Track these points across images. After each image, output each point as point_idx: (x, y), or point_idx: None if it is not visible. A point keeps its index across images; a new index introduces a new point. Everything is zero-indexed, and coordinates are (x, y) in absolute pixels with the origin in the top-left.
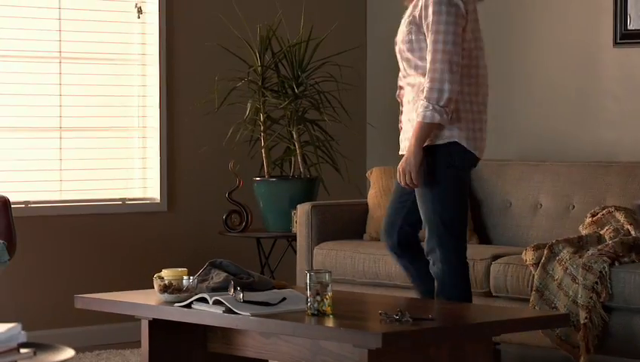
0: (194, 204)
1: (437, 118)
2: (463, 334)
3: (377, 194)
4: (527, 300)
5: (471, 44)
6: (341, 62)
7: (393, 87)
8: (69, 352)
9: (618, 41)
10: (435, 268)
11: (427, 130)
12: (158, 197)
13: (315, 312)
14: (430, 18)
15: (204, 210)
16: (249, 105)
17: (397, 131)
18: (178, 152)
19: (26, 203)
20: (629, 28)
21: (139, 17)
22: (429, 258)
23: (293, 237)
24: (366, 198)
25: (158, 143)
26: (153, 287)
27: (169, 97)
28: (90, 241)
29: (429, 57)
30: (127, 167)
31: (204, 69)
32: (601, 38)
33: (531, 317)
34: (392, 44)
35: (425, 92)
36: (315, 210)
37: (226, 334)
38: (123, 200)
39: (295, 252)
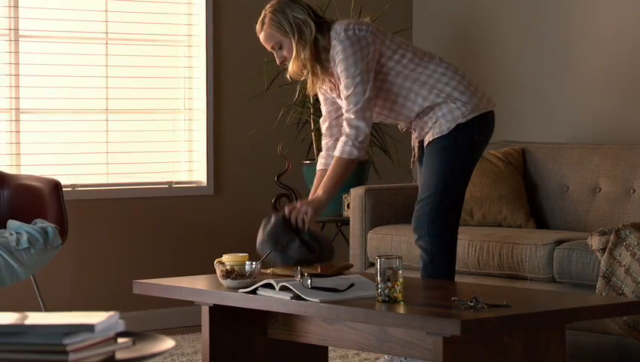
0: (241, 188)
1: (355, 153)
2: (540, 321)
3: None
4: (593, 286)
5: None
6: None
7: None
8: (170, 342)
9: None
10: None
11: (347, 165)
12: (205, 181)
13: (386, 299)
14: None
15: (251, 194)
16: (298, 87)
17: None
18: (225, 135)
19: (73, 186)
20: None
21: None
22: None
23: (343, 221)
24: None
25: (205, 126)
26: (205, 272)
27: (215, 79)
28: (137, 225)
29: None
30: (174, 150)
31: (251, 50)
32: None
33: (608, 304)
34: (439, 25)
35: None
36: (369, 193)
37: (287, 320)
38: (169, 183)
39: (344, 236)
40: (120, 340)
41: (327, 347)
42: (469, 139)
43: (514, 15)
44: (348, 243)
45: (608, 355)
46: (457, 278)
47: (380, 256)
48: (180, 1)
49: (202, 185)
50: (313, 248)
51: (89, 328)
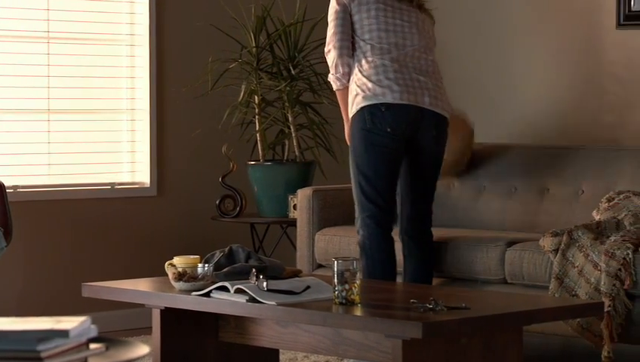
0: (185, 189)
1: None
2: (499, 323)
3: None
4: (544, 287)
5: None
6: None
7: None
8: (143, 348)
9: (621, 22)
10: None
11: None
12: (148, 182)
13: (343, 301)
14: None
15: (196, 195)
16: (243, 87)
17: None
18: (168, 136)
19: (15, 187)
20: (632, 9)
21: None
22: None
23: (289, 223)
24: None
25: (148, 126)
26: (151, 274)
27: (159, 79)
28: (81, 227)
29: None
30: (116, 150)
31: (195, 50)
32: (603, 19)
33: (566, 306)
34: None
35: None
36: (317, 194)
37: (239, 323)
38: (112, 184)
39: (289, 238)
40: (92, 346)
41: (278, 349)
42: (359, 129)
43: (456, 16)
44: (293, 245)
45: (560, 356)
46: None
47: (337, 258)
48: (123, 0)
49: (145, 186)
50: (264, 262)
51: (63, 334)
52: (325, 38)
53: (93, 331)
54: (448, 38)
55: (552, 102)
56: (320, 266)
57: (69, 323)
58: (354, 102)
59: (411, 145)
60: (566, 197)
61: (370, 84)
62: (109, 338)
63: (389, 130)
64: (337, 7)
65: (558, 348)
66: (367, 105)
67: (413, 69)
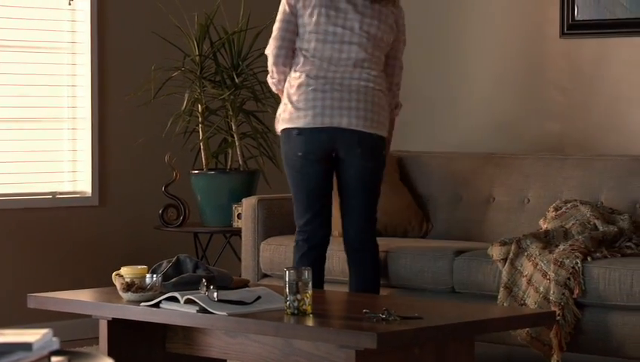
0: (128, 199)
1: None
2: (452, 333)
3: None
4: (493, 296)
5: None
6: None
7: None
8: (106, 360)
9: (565, 31)
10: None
11: None
12: (89, 191)
13: (295, 311)
14: None
15: (138, 205)
16: (186, 95)
17: None
18: (110, 144)
19: None
20: (576, 18)
21: (70, 4)
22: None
23: (233, 232)
24: None
25: (90, 135)
26: (95, 284)
27: (101, 87)
28: (23, 237)
29: None
30: (57, 159)
31: (138, 58)
32: (547, 28)
33: (518, 316)
34: None
35: None
36: (262, 203)
37: (187, 334)
38: (53, 194)
39: (233, 248)
40: (54, 359)
41: (226, 360)
42: (284, 151)
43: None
44: (237, 255)
45: None
46: (344, 288)
47: (288, 268)
48: (64, 7)
49: (87, 195)
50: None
51: (26, 347)
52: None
53: (56, 344)
54: None
55: (497, 111)
56: (265, 276)
57: (31, 336)
58: (280, 118)
59: (337, 162)
60: (512, 206)
61: (289, 105)
62: (71, 351)
63: (300, 153)
64: (285, 7)
65: (505, 357)
66: (284, 129)
67: (339, 86)
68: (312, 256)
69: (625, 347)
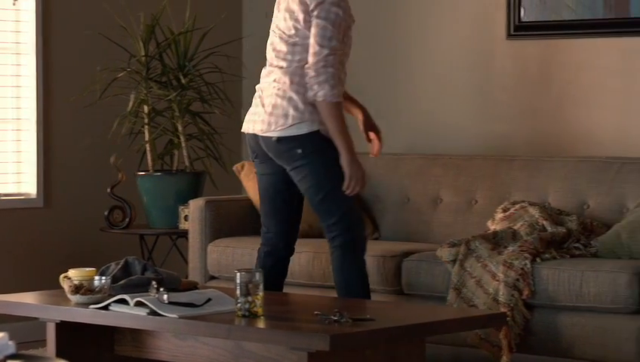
0: (73, 200)
1: None
2: (405, 334)
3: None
4: (442, 298)
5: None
6: (230, 53)
7: None
8: None
9: (511, 33)
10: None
11: None
12: (34, 193)
13: (246, 313)
14: None
15: (84, 206)
16: (132, 96)
17: None
18: (56, 146)
19: None
20: (522, 20)
21: (14, 4)
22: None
23: (179, 234)
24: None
25: (35, 136)
26: (39, 286)
27: (46, 88)
28: None
29: None
30: (1, 160)
31: (84, 58)
32: (494, 30)
33: (470, 317)
34: (267, 36)
35: None
36: (209, 205)
37: (136, 336)
38: None
39: (179, 250)
40: None
41: None
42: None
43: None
44: (183, 257)
45: None
46: (304, 291)
47: (239, 270)
48: (8, 7)
49: (31, 196)
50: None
51: None
52: (215, 47)
53: (12, 348)
54: None
55: (445, 113)
56: (213, 278)
57: None
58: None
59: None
60: (460, 208)
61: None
62: (27, 355)
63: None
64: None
65: (452, 358)
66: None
67: (260, 91)
68: (272, 263)
69: (574, 347)
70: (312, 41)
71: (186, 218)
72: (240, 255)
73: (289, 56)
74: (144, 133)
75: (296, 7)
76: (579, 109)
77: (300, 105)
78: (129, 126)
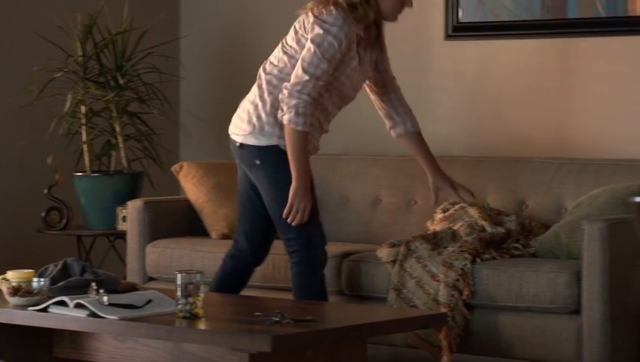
0: (10, 201)
1: None
2: (347, 335)
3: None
4: (381, 299)
5: None
6: (168, 53)
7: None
8: None
9: (449, 34)
10: None
11: None
12: None
13: (187, 315)
14: None
15: (21, 207)
16: (69, 97)
17: (216, 128)
18: None
19: None
20: (460, 21)
21: None
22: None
23: (117, 235)
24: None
25: None
26: None
27: None
28: None
29: None
30: None
31: (20, 58)
32: (432, 31)
33: (411, 317)
34: (208, 36)
35: None
36: (148, 206)
37: (75, 338)
38: None
39: (117, 251)
40: None
41: None
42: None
43: (286, 25)
44: (121, 258)
45: None
46: (247, 292)
47: (180, 271)
48: None
49: None
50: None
51: None
52: (153, 46)
53: None
54: None
55: (378, 114)
56: (151, 279)
57: None
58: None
59: None
60: (399, 208)
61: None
62: None
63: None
64: None
65: (392, 359)
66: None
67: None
68: (235, 270)
69: (514, 347)
70: (299, 62)
71: (124, 219)
72: (179, 256)
73: (275, 69)
74: (81, 133)
75: (298, 25)
76: (517, 110)
77: (263, 116)
78: (66, 126)
